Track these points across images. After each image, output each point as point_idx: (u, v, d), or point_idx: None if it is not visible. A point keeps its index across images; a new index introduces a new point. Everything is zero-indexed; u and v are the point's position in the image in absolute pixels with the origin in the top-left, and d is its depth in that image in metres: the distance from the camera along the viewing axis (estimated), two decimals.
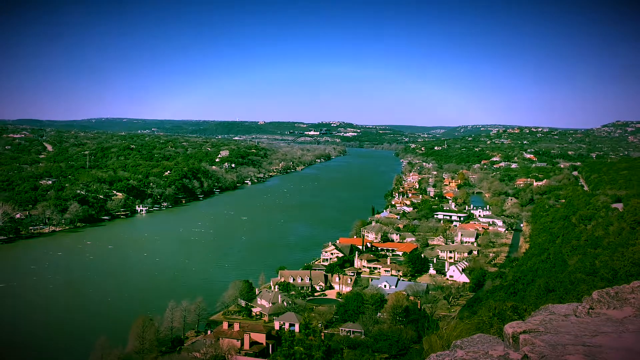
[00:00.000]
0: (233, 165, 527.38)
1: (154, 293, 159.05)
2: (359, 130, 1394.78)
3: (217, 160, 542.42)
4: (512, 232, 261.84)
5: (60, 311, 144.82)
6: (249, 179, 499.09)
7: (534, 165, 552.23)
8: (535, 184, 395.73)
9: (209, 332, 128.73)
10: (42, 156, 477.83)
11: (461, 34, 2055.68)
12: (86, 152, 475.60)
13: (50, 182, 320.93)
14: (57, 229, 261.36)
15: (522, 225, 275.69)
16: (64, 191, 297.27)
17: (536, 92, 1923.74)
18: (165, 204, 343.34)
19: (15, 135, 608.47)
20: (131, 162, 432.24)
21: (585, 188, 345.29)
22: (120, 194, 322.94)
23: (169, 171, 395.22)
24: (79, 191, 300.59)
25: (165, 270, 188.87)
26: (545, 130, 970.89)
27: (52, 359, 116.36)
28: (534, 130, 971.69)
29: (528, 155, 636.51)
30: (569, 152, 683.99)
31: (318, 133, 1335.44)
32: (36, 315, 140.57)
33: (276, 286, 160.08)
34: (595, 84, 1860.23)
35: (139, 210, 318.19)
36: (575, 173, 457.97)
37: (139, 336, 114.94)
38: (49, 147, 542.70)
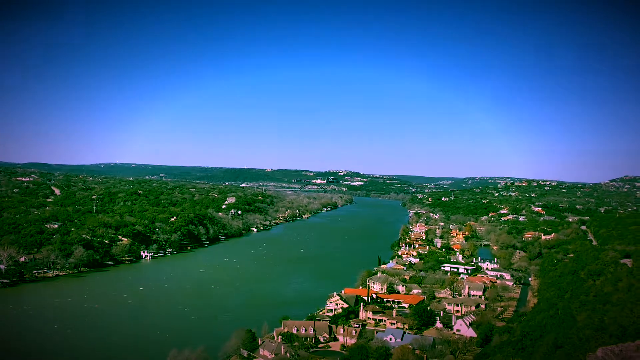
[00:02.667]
0: (239, 212, 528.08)
1: (156, 341, 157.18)
2: (365, 180, 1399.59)
3: (223, 206, 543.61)
4: (520, 286, 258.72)
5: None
6: (255, 226, 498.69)
7: (542, 218, 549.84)
8: (543, 237, 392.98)
9: None
10: (50, 200, 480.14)
11: (471, 83, 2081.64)
12: (93, 197, 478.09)
13: (56, 225, 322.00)
14: (61, 273, 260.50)
15: (530, 279, 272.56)
16: (69, 235, 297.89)
17: (544, 146, 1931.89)
18: (170, 250, 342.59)
19: (23, 179, 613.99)
20: (138, 207, 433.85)
21: (594, 242, 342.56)
22: (126, 239, 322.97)
23: (175, 217, 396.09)
24: (84, 235, 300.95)
25: (166, 319, 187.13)
26: (553, 184, 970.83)
27: None
28: (542, 183, 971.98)
29: (536, 209, 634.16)
30: (577, 206, 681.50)
31: (325, 181, 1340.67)
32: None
33: (279, 336, 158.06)
34: (603, 139, 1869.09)
35: (143, 256, 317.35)
36: (583, 227, 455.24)
37: None
38: (57, 191, 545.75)
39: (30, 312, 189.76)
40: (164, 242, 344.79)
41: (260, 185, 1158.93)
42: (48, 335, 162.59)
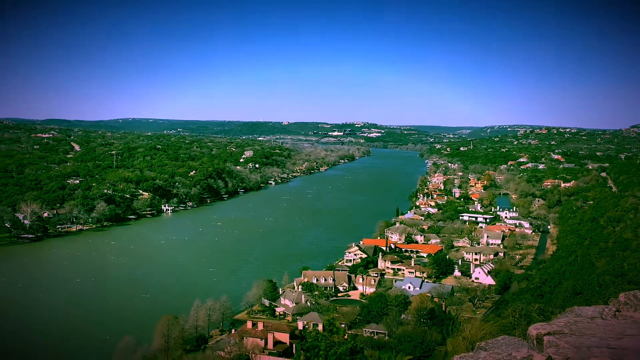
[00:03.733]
0: (257, 165, 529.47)
1: (178, 293, 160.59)
2: (383, 131, 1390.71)
3: (241, 160, 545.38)
4: (539, 234, 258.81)
5: (83, 311, 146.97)
6: (273, 179, 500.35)
7: (561, 166, 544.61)
8: (563, 185, 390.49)
9: (233, 331, 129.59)
10: (70, 156, 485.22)
11: (487, 34, 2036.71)
12: (113, 152, 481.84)
13: (77, 181, 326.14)
14: (84, 228, 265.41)
15: (549, 227, 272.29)
16: (91, 190, 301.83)
17: (564, 92, 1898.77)
18: (190, 203, 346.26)
19: (43, 135, 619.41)
20: (157, 162, 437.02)
21: (614, 189, 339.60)
22: (147, 194, 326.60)
23: (194, 171, 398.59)
24: (105, 190, 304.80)
25: (189, 270, 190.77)
26: (573, 131, 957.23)
27: (76, 357, 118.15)
28: (562, 130, 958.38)
29: (556, 156, 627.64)
30: (597, 153, 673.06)
31: (342, 133, 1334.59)
32: (57, 316, 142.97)
33: (300, 286, 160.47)
34: (624, 84, 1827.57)
35: (164, 210, 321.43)
36: (603, 174, 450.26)
37: (163, 335, 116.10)
38: (77, 147, 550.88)
39: (53, 266, 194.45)
40: (184, 196, 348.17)
41: (277, 138, 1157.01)
42: (70, 288, 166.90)
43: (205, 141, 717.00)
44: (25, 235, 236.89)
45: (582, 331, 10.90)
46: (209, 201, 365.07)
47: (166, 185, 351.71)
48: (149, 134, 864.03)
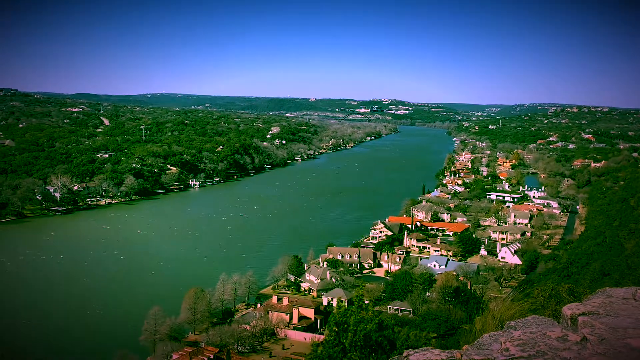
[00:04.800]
0: (283, 141, 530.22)
1: (205, 266, 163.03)
2: (410, 108, 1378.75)
3: (268, 136, 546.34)
4: (568, 214, 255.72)
5: (112, 281, 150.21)
6: (299, 155, 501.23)
7: (592, 145, 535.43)
8: (593, 165, 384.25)
9: (258, 305, 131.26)
10: (99, 130, 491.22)
11: (519, 10, 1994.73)
12: (142, 127, 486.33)
13: (106, 155, 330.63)
14: (113, 202, 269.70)
15: (578, 207, 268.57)
16: (119, 164, 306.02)
17: (596, 70, 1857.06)
18: (217, 178, 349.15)
19: (73, 109, 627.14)
20: (185, 137, 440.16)
21: None
22: (174, 168, 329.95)
23: (221, 147, 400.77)
24: (134, 165, 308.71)
25: (216, 245, 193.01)
26: (604, 110, 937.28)
27: (110, 324, 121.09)
28: (593, 109, 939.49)
29: (586, 136, 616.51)
30: (629, 133, 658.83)
31: (369, 110, 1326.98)
32: (91, 284, 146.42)
33: (325, 262, 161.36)
34: None
35: (192, 185, 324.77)
36: (635, 154, 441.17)
37: (190, 307, 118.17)
38: (106, 121, 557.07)
39: (85, 239, 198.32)
40: (211, 171, 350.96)
41: (304, 114, 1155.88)
42: (100, 262, 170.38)
43: (233, 117, 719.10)
44: (55, 208, 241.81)
45: (617, 312, 10.70)
46: (235, 177, 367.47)
47: (193, 161, 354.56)
48: (177, 109, 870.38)
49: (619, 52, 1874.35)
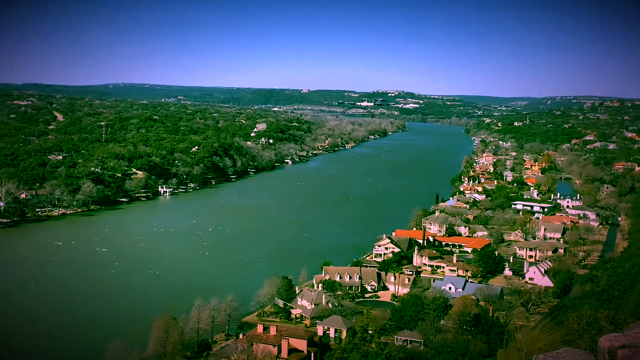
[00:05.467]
0: (271, 141, 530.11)
1: (178, 291, 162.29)
2: (421, 102, 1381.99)
3: (252, 134, 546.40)
4: (607, 227, 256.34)
5: (69, 310, 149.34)
6: (290, 157, 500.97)
7: (636, 146, 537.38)
8: (637, 169, 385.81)
9: (240, 335, 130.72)
10: (52, 127, 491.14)
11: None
12: (102, 123, 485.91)
13: (60, 157, 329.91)
14: (68, 212, 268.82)
15: (619, 219, 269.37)
16: (76, 168, 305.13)
17: None
18: (192, 185, 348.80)
19: (21, 102, 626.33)
20: (154, 136, 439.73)
21: None
22: (141, 173, 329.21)
23: (197, 147, 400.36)
24: (93, 168, 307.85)
25: (190, 265, 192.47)
26: None
27: None
28: (638, 103, 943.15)
29: (629, 134, 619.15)
30: None
31: (372, 104, 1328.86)
32: (39, 317, 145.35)
33: (320, 285, 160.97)
34: None
35: (161, 192, 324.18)
36: None
37: (160, 339, 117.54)
38: (60, 117, 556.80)
39: (25, 259, 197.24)
40: (184, 176, 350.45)
41: (295, 109, 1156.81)
42: (53, 285, 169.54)
43: (211, 111, 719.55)
44: None
45: None
46: (213, 182, 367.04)
47: (164, 163, 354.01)
48: (144, 102, 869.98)
49: None
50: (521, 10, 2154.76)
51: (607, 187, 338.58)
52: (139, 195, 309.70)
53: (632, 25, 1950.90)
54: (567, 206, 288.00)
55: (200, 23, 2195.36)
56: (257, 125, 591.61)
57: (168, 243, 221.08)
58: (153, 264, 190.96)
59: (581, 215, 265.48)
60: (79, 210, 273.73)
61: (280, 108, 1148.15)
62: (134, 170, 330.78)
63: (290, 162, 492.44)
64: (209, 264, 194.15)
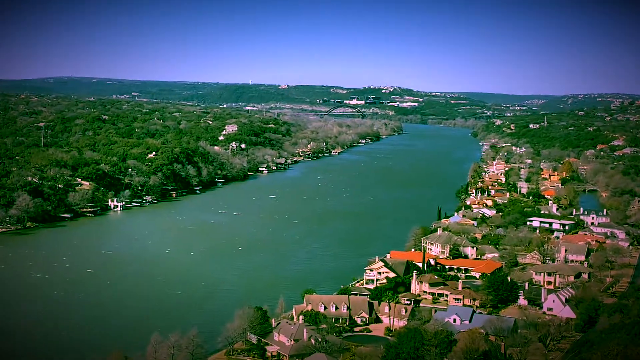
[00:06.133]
0: (243, 145, 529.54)
1: (132, 324, 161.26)
2: (420, 100, 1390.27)
3: (221, 138, 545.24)
4: (639, 248, 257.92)
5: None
6: (265, 165, 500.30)
7: None
8: None
9: None
10: None
11: None
12: (41, 124, 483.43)
13: None
14: (0, 230, 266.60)
15: None
16: (9, 178, 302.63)
17: None
18: (148, 197, 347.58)
19: None
20: (103, 140, 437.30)
21: None
22: (87, 184, 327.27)
23: (154, 153, 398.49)
24: (30, 178, 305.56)
25: (145, 294, 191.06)
26: None
27: None
28: None
29: None
30: None
31: (363, 102, 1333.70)
32: None
33: (301, 317, 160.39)
34: None
35: (112, 206, 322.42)
36: None
37: None
38: None
39: None
40: (139, 188, 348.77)
41: (272, 107, 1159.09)
42: None
43: (171, 110, 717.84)
44: None
45: None
46: (174, 195, 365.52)
47: (115, 172, 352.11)
48: (92, 99, 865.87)
49: None
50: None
51: (639, 201, 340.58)
52: (84, 210, 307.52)
53: None
54: (592, 223, 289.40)
55: (157, 8, 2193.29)
56: (226, 127, 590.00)
57: (119, 268, 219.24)
58: (102, 292, 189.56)
59: (608, 234, 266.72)
60: (13, 228, 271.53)
61: (254, 107, 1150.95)
62: (79, 180, 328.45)
63: (265, 171, 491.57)
64: (168, 292, 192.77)
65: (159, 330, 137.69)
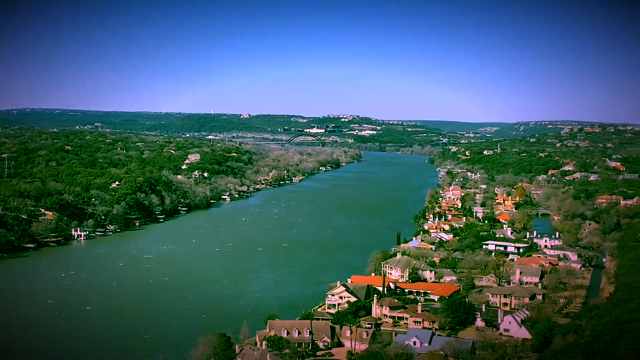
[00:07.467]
0: (206, 174, 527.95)
1: (90, 351, 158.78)
2: (379, 128, 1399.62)
3: (183, 167, 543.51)
4: (591, 269, 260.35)
5: None
6: (228, 193, 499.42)
7: (621, 177, 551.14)
8: (622, 203, 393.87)
9: None
10: None
11: (526, 12, 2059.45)
12: (4, 155, 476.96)
13: None
14: None
15: (604, 260, 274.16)
16: None
17: (625, 79, 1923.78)
18: (112, 227, 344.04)
19: None
20: (66, 170, 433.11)
21: None
22: (51, 213, 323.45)
23: (117, 182, 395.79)
24: None
25: (105, 321, 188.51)
26: (637, 129, 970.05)
27: None
28: (622, 128, 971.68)
29: (613, 164, 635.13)
30: None
31: (323, 131, 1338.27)
32: None
33: (264, 342, 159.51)
34: None
35: (75, 236, 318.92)
36: None
37: None
38: None
39: None
40: (103, 217, 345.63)
41: (234, 136, 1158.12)
42: None
43: (134, 140, 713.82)
44: None
45: None
46: (137, 224, 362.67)
47: (78, 202, 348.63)
48: (55, 130, 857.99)
49: None
50: (488, 27, 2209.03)
51: (590, 224, 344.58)
52: (48, 240, 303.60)
53: (613, 42, 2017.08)
54: (545, 246, 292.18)
55: (118, 38, 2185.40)
56: (189, 156, 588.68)
57: (83, 297, 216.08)
58: (69, 327, 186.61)
59: (561, 256, 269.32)
60: None
61: (216, 136, 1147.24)
62: (43, 210, 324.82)
63: (228, 199, 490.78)
64: (132, 319, 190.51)
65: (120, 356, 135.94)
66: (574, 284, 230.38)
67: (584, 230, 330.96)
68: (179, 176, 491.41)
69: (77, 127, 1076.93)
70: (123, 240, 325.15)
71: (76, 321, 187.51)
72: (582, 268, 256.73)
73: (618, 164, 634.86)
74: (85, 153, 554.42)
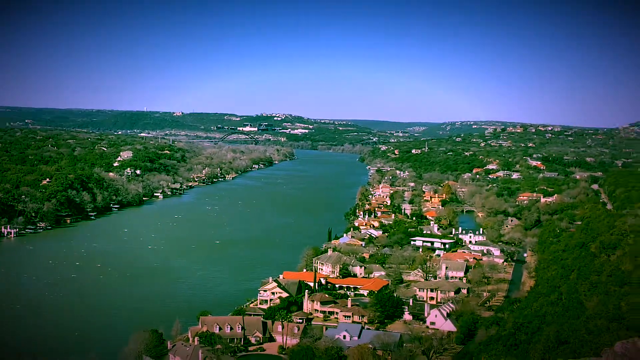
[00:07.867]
0: (138, 171, 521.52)
1: (17, 347, 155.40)
2: (311, 127, 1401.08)
3: (115, 164, 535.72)
4: (513, 264, 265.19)
5: None
6: (161, 190, 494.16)
7: (541, 175, 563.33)
8: (543, 200, 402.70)
9: None
10: None
11: (450, 13, 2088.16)
12: None
13: None
14: None
15: (525, 255, 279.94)
16: None
17: (545, 82, 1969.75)
18: (43, 224, 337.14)
19: None
20: None
21: (609, 206, 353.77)
22: None
23: (48, 179, 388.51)
24: None
25: (31, 318, 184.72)
26: (556, 130, 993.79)
27: None
28: (542, 129, 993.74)
29: (534, 163, 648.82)
30: (588, 159, 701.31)
31: (256, 129, 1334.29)
32: None
33: (196, 338, 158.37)
34: (621, 74, 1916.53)
35: (5, 233, 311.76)
36: (595, 186, 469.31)
37: None
38: None
39: None
40: (33, 214, 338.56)
41: (167, 134, 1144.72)
42: None
43: (65, 137, 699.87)
44: None
45: None
46: (69, 221, 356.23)
47: (8, 199, 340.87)
48: None
49: (574, 59, 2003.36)
50: (418, 29, 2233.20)
51: (512, 220, 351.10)
52: None
53: (534, 47, 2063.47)
54: (470, 242, 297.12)
55: (51, 34, 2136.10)
56: (121, 154, 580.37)
57: (11, 296, 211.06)
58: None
59: (485, 251, 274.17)
60: None
61: (149, 133, 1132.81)
62: None
63: (161, 196, 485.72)
64: (63, 318, 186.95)
65: (47, 356, 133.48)
66: (496, 278, 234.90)
67: (507, 226, 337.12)
68: (110, 173, 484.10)
69: (7, 125, 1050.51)
70: (54, 238, 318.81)
71: (1, 321, 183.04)
72: (505, 263, 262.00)
73: (539, 162, 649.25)
74: (16, 150, 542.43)
